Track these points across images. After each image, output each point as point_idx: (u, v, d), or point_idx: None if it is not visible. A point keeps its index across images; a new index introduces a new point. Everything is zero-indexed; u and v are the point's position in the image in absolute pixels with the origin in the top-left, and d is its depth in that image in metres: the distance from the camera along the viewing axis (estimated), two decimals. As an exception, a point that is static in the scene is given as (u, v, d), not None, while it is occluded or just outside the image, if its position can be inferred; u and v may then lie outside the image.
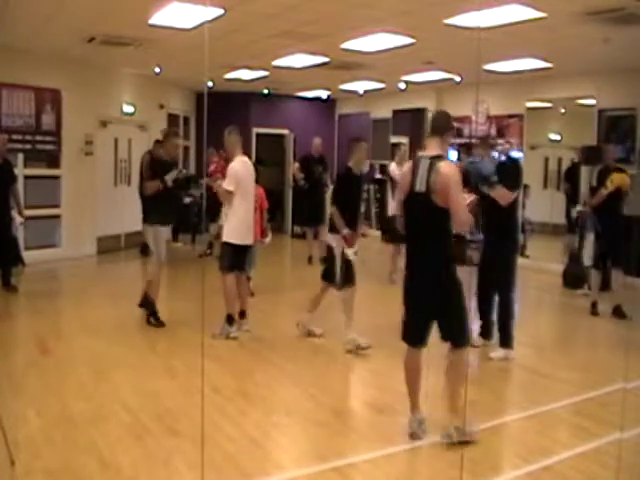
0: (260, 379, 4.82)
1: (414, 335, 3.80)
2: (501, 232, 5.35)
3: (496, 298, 5.46)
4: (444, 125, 3.79)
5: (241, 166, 5.68)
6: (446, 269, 3.64)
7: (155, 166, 6.08)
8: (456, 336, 3.72)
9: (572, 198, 8.89)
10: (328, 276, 5.67)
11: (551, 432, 4.04)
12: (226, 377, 4.78)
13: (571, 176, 9.26)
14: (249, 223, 5.76)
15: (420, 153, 3.78)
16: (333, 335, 5.98)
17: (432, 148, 3.70)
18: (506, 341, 5.38)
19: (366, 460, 3.51)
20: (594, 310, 6.80)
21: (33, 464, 3.31)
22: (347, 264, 5.56)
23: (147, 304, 6.12)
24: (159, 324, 6.05)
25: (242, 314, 5.97)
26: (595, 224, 6.87)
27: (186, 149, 12.82)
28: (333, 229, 5.57)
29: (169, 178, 6.02)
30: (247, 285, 6.34)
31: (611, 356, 5.51)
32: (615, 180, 6.47)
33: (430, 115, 11.93)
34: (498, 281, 5.38)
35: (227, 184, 5.59)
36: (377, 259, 9.55)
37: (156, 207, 6.08)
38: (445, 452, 3.59)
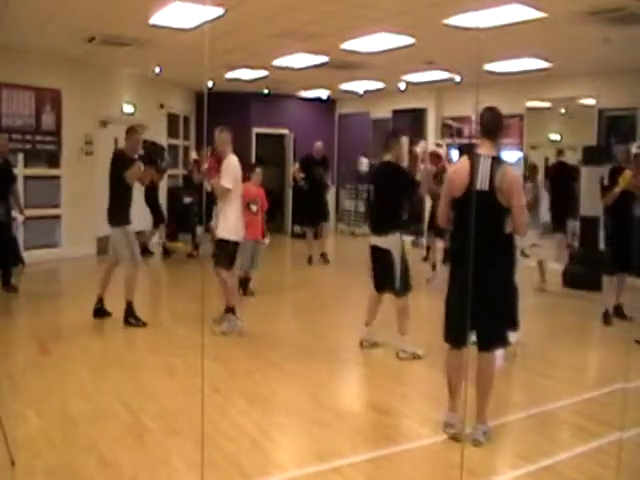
0: (260, 379, 4.81)
1: (458, 335, 3.71)
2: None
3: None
4: (495, 125, 3.73)
5: (236, 164, 5.81)
6: (500, 267, 3.62)
7: (117, 162, 6.00)
8: (493, 338, 3.70)
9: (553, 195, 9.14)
10: (384, 284, 5.28)
11: (551, 432, 4.04)
12: (226, 377, 4.78)
13: (551, 173, 9.44)
14: (241, 219, 5.90)
15: (478, 151, 3.68)
16: (333, 335, 5.99)
17: (487, 148, 3.66)
18: (514, 323, 5.37)
19: (366, 460, 3.50)
20: (607, 320, 6.48)
21: (33, 464, 3.31)
22: (405, 268, 5.24)
23: (128, 309, 6.03)
24: (140, 323, 5.99)
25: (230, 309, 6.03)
26: (606, 226, 6.74)
27: (186, 149, 12.83)
28: (389, 230, 5.15)
29: (129, 175, 5.91)
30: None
31: (611, 356, 5.51)
32: (628, 177, 6.23)
33: (428, 114, 12.06)
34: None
35: (225, 182, 5.65)
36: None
37: (123, 207, 6.06)
38: (445, 452, 3.59)
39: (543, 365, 5.36)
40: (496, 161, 3.58)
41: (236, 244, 5.83)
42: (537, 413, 4.23)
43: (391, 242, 5.14)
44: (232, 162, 5.76)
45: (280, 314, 7.11)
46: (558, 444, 3.83)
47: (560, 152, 9.50)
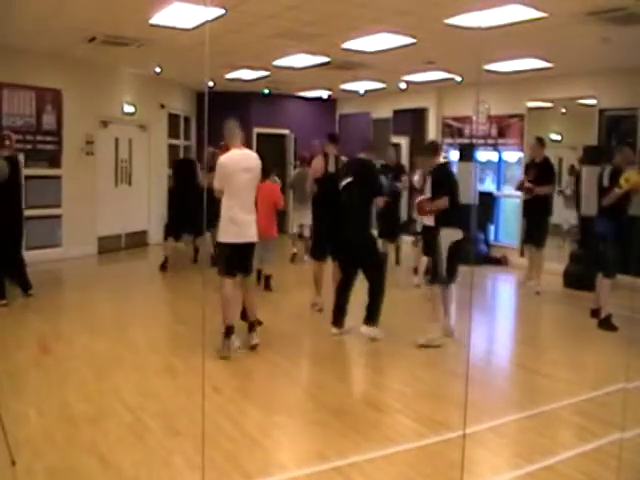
0: (260, 379, 4.82)
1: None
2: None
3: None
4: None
5: (229, 160, 5.10)
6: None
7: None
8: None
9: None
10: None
11: (551, 432, 4.03)
12: (226, 377, 4.78)
13: None
14: (243, 219, 5.09)
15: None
16: (332, 335, 5.98)
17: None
18: (374, 317, 5.69)
19: (366, 460, 3.50)
20: (605, 321, 6.34)
21: (34, 464, 3.31)
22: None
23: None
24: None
25: (251, 325, 5.35)
26: (602, 228, 6.39)
27: (186, 149, 12.82)
28: (448, 223, 5.61)
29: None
30: (252, 290, 5.61)
31: (612, 356, 5.51)
32: (631, 179, 5.96)
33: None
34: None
35: (215, 182, 5.11)
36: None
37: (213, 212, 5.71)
38: (445, 452, 3.59)
39: (543, 365, 5.36)
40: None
41: (232, 247, 5.09)
42: (537, 413, 4.23)
43: (448, 233, 5.66)
44: (224, 159, 5.11)
45: (280, 313, 7.11)
46: (558, 444, 3.83)
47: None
